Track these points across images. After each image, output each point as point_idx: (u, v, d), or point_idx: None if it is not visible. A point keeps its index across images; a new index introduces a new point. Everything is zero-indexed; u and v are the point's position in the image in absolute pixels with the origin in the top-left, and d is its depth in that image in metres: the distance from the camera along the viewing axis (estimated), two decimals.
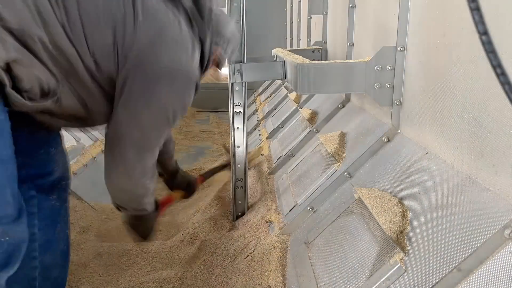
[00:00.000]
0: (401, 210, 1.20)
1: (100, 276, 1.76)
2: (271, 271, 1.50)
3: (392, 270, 1.05)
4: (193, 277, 1.70)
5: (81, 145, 2.81)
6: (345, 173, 1.65)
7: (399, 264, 1.04)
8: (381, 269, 1.08)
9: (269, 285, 1.45)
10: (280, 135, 3.03)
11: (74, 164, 2.62)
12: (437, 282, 0.91)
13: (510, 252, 0.83)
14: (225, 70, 1.66)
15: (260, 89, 5.93)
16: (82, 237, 2.08)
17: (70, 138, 2.72)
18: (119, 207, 1.35)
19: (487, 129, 1.02)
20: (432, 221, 1.07)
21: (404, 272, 1.02)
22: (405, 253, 1.06)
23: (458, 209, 1.03)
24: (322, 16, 3.09)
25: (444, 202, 1.09)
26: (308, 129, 2.51)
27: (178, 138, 4.60)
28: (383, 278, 1.05)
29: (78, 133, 2.85)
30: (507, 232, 0.84)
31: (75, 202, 2.32)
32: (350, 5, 2.25)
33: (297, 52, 2.70)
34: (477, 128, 1.07)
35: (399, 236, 1.12)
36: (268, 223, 1.87)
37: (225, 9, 1.93)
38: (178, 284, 1.66)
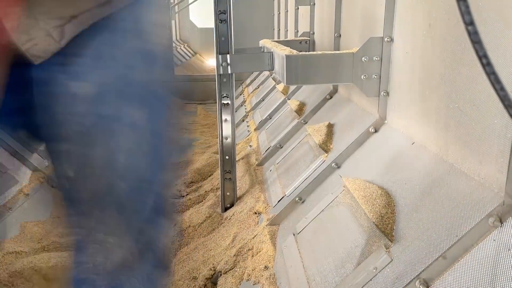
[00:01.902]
0: (387, 200, 1.21)
1: None
2: (260, 262, 1.51)
3: (379, 260, 1.06)
4: (180, 267, 1.70)
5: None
6: (333, 164, 1.65)
7: (386, 254, 1.06)
8: (368, 259, 1.09)
9: (257, 277, 1.45)
10: (268, 126, 3.03)
11: None
12: (423, 271, 0.93)
13: (494, 240, 0.84)
14: (212, 62, 1.63)
15: (248, 81, 5.91)
16: None
17: None
18: None
19: (472, 119, 1.04)
20: (418, 210, 1.09)
21: (390, 261, 1.04)
22: (391, 242, 1.08)
23: (443, 198, 1.04)
24: (309, 6, 3.08)
25: (429, 191, 1.10)
26: (296, 121, 2.51)
27: None
28: (370, 267, 1.06)
29: None
30: (491, 220, 0.86)
31: None
32: None
33: (285, 43, 2.69)
34: (462, 118, 1.08)
35: (385, 225, 1.14)
36: (256, 214, 1.87)
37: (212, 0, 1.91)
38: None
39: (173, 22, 7.59)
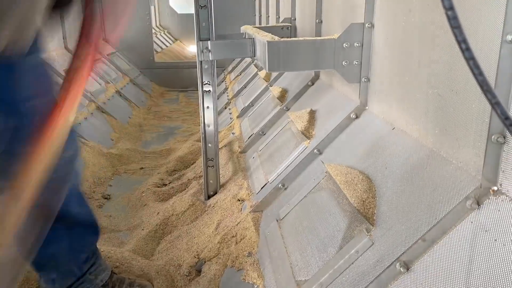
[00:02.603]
0: (369, 184, 1.23)
1: None
2: (243, 249, 1.52)
3: (361, 243, 1.08)
4: (164, 255, 1.70)
5: None
6: (315, 150, 1.66)
7: (367, 237, 1.07)
8: (350, 243, 1.11)
9: (241, 263, 1.46)
10: (250, 113, 3.02)
11: None
12: (403, 253, 0.95)
13: (471, 222, 0.87)
14: (193, 48, 1.61)
15: (230, 67, 5.86)
16: None
17: None
18: None
19: (450, 104, 1.05)
20: (399, 194, 1.11)
21: (372, 245, 1.06)
22: (373, 226, 1.09)
23: (423, 182, 1.06)
24: None
25: (409, 176, 1.12)
26: (278, 107, 2.51)
27: (147, 118, 4.51)
28: (352, 251, 1.08)
29: None
30: (468, 203, 0.88)
31: None
32: None
33: (266, 29, 2.67)
34: (441, 103, 1.10)
35: (367, 210, 1.15)
36: (240, 201, 1.88)
37: None
38: (148, 257, 1.65)
39: (152, 8, 7.44)
